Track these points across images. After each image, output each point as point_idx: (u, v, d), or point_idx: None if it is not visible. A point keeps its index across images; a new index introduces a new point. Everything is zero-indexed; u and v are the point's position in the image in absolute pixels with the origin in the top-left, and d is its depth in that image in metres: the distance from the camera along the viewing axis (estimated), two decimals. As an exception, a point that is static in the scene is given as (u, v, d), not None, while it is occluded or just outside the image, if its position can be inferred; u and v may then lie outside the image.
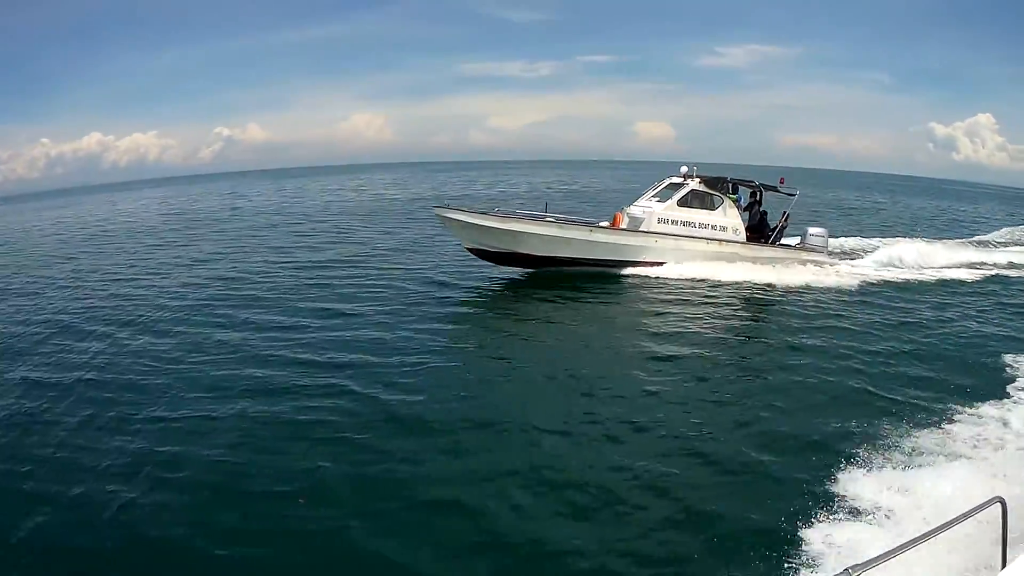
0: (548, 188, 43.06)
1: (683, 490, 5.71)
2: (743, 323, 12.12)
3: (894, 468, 5.78)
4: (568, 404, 7.71)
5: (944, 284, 14.66)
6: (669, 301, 12.88)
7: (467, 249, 14.75)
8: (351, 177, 79.73)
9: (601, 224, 15.37)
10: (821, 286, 14.10)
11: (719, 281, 14.08)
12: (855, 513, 5.05)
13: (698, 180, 15.26)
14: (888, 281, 14.70)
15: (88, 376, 8.77)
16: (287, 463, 6.19)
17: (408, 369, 8.74)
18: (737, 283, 14.06)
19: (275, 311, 11.95)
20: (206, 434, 6.87)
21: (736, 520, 5.16)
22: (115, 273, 16.98)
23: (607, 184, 49.16)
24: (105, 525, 5.30)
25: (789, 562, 4.52)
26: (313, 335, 10.41)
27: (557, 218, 15.28)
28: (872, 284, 14.41)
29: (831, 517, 5.01)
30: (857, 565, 2.16)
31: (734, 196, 15.58)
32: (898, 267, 15.88)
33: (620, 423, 7.09)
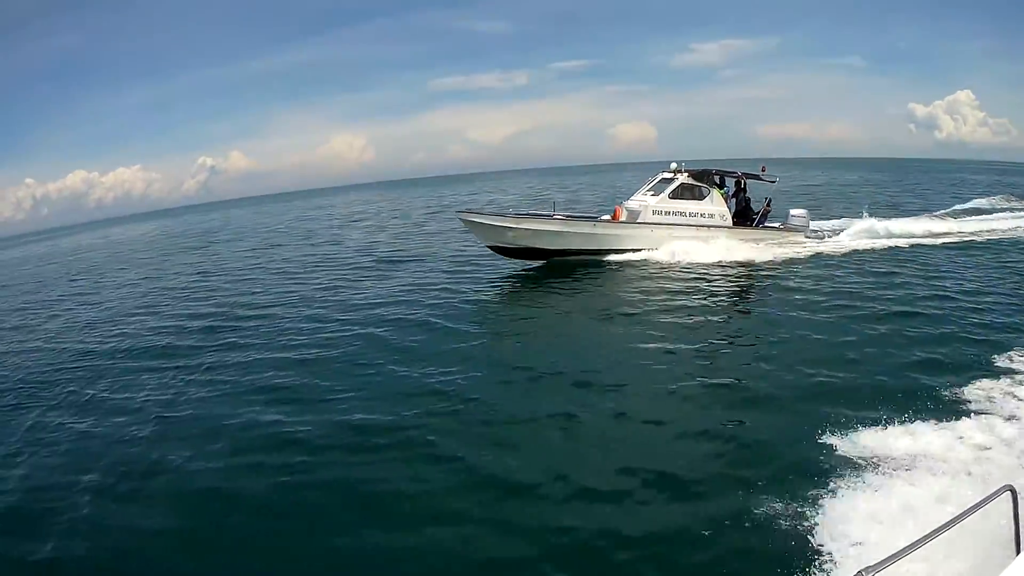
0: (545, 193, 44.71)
1: (689, 474, 5.76)
2: (737, 298, 13.44)
3: (903, 454, 5.57)
4: (595, 385, 8.25)
5: (912, 249, 16.39)
6: (668, 282, 14.37)
7: (487, 247, 16.66)
8: (336, 199, 79.61)
9: (603, 218, 17.24)
10: (803, 259, 15.88)
11: (710, 263, 15.74)
12: (870, 510, 4.78)
13: (686, 174, 17.09)
14: (864, 250, 16.43)
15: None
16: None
17: (442, 356, 9.68)
18: (727, 263, 15.76)
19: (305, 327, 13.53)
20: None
21: (744, 512, 5.03)
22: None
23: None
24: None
25: (799, 561, 4.34)
26: (343, 336, 11.37)
27: (564, 216, 17.16)
28: (849, 254, 16.15)
29: (844, 514, 4.76)
30: (870, 566, 2.12)
31: (722, 189, 17.38)
32: (872, 238, 17.66)
33: (636, 401, 7.68)
